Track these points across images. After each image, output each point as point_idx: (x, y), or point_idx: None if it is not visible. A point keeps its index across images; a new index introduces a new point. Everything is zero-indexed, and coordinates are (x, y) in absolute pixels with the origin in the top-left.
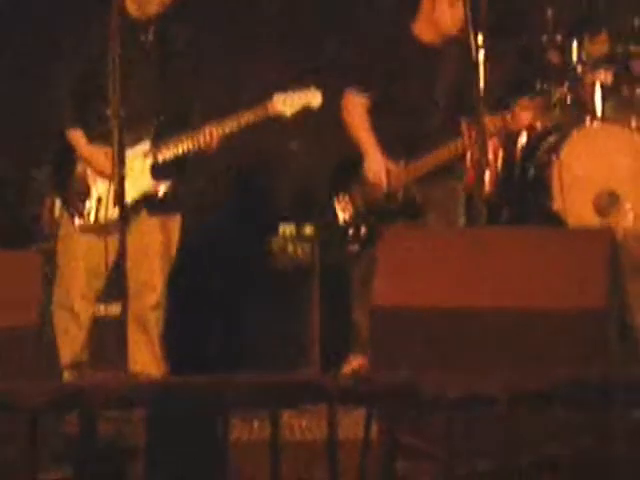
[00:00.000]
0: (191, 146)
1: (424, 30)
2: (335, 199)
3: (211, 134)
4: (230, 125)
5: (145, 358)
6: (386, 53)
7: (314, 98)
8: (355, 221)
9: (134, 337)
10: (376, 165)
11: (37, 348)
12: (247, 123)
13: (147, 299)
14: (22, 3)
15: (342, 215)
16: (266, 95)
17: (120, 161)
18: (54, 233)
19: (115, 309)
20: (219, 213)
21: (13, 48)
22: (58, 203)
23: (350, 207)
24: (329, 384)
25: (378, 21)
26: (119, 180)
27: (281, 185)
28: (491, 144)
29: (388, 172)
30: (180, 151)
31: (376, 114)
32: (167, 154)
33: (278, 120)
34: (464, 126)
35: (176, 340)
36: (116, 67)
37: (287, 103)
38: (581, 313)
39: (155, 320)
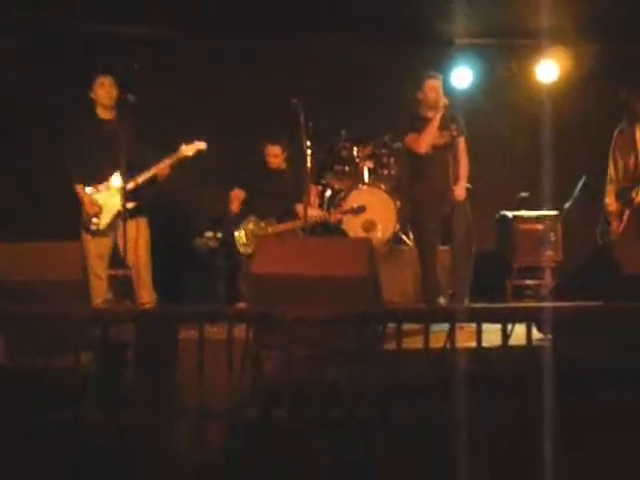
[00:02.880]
0: (149, 177)
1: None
2: None
3: (165, 165)
4: (167, 162)
5: (143, 293)
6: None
7: (202, 145)
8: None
9: (137, 283)
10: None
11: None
12: (174, 161)
13: (141, 260)
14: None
15: None
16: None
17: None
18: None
19: (121, 271)
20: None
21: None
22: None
23: None
24: (230, 311)
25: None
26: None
27: None
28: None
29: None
30: (141, 181)
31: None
32: (131, 186)
33: (184, 160)
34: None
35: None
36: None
37: (188, 150)
38: (354, 278)
39: (146, 273)
